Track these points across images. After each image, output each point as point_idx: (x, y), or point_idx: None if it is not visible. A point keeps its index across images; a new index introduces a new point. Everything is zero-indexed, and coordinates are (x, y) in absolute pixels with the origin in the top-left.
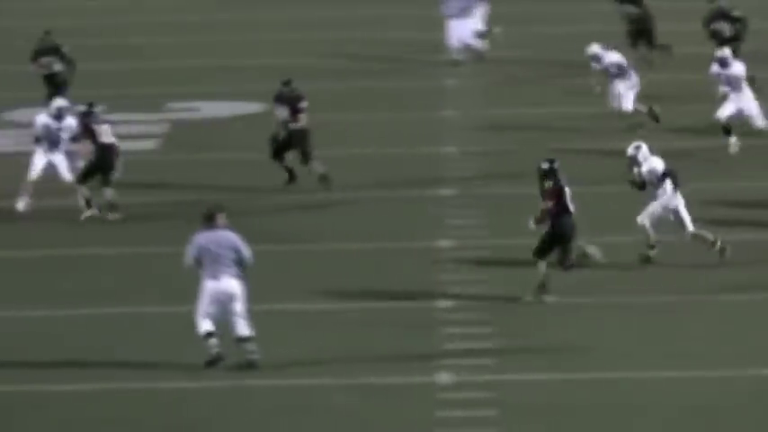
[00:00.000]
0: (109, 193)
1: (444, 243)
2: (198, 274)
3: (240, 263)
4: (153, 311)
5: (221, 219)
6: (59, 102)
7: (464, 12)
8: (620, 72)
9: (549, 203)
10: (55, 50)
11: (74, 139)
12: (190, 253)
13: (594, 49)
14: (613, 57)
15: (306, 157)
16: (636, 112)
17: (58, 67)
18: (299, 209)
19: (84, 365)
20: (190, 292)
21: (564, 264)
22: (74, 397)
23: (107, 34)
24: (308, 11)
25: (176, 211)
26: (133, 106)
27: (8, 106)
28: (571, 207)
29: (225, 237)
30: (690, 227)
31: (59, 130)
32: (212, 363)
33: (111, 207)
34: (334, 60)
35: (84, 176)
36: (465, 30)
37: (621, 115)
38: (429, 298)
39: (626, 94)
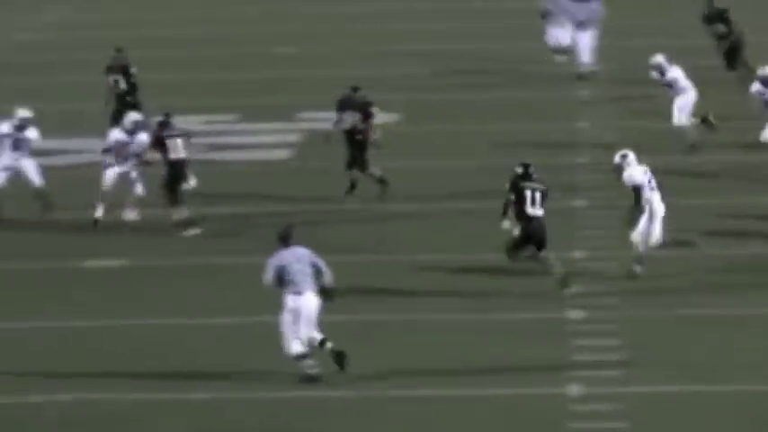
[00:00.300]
0: (184, 211)
1: (576, 254)
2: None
3: (318, 277)
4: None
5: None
6: (134, 116)
7: (586, 23)
8: (678, 87)
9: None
10: (123, 69)
11: (139, 155)
12: (270, 272)
13: (659, 59)
14: (675, 72)
15: (363, 166)
16: (692, 126)
17: (123, 85)
18: (419, 217)
19: (214, 375)
20: None
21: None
22: (209, 403)
23: (239, 43)
24: (432, 24)
25: (308, 220)
26: (266, 116)
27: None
28: (536, 210)
29: (303, 253)
30: (657, 239)
31: (131, 144)
32: (309, 381)
33: (189, 223)
34: (461, 72)
35: (171, 194)
36: (583, 40)
37: (676, 130)
38: (560, 309)
39: (682, 109)
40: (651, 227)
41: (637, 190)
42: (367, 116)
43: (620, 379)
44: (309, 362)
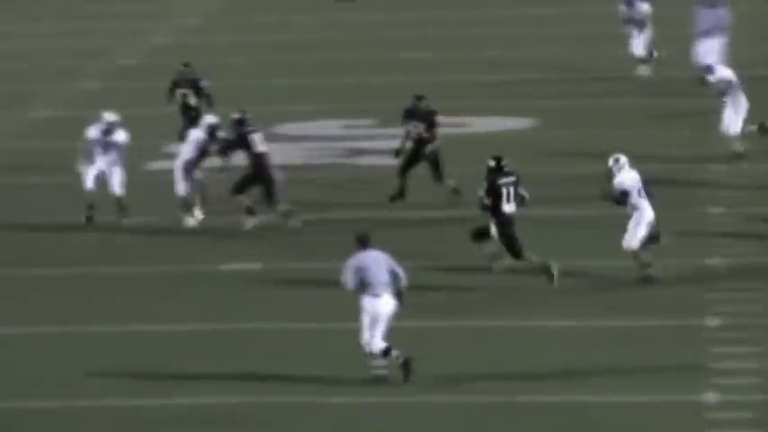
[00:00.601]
0: (283, 206)
1: (715, 261)
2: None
3: (396, 281)
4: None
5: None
6: (210, 119)
7: (712, 31)
8: (727, 89)
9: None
10: (192, 83)
11: (222, 150)
12: (349, 276)
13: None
14: (724, 72)
15: (439, 177)
16: (744, 134)
17: (193, 100)
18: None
19: (349, 380)
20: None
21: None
22: (348, 407)
23: (375, 49)
24: (550, 29)
25: (437, 222)
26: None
27: (278, 120)
28: (510, 207)
29: (381, 257)
30: (637, 244)
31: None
32: (377, 381)
33: (288, 213)
34: (589, 79)
35: (241, 188)
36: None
37: (726, 139)
38: (698, 316)
39: (732, 116)
40: (637, 231)
41: (624, 195)
42: (431, 125)
43: (759, 387)
44: (384, 362)
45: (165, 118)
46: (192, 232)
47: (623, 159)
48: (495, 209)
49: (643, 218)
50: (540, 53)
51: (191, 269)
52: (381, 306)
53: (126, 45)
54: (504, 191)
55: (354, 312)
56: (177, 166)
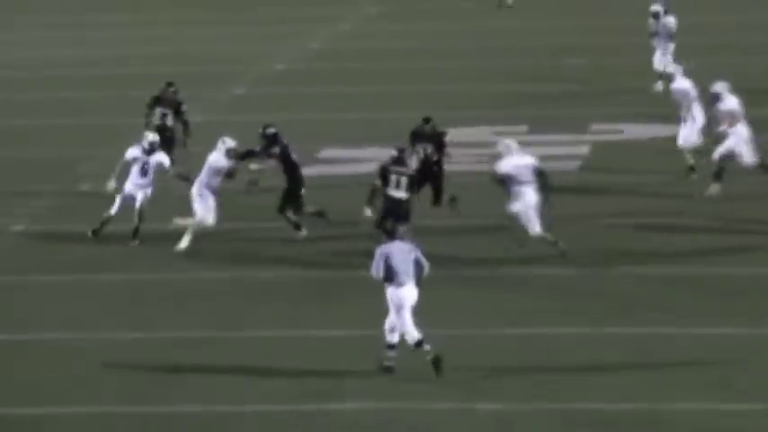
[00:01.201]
0: (310, 207)
1: None
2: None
3: (420, 271)
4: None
5: (402, 231)
6: (229, 142)
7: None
8: (682, 100)
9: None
10: (174, 105)
11: (229, 174)
12: (379, 264)
13: (718, 88)
14: (731, 103)
15: (438, 198)
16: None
17: (170, 122)
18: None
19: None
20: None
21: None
22: (494, 414)
23: (530, 55)
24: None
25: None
26: (555, 127)
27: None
28: (399, 192)
29: (406, 248)
30: (536, 229)
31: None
32: (385, 371)
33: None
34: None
35: (283, 205)
36: None
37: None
38: None
39: (687, 129)
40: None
41: (505, 179)
42: (440, 146)
43: None
44: (393, 354)
45: (322, 122)
46: (335, 238)
47: (513, 144)
48: (384, 194)
49: (529, 205)
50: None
51: (350, 276)
52: (405, 295)
53: (283, 50)
54: (394, 178)
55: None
56: (194, 191)
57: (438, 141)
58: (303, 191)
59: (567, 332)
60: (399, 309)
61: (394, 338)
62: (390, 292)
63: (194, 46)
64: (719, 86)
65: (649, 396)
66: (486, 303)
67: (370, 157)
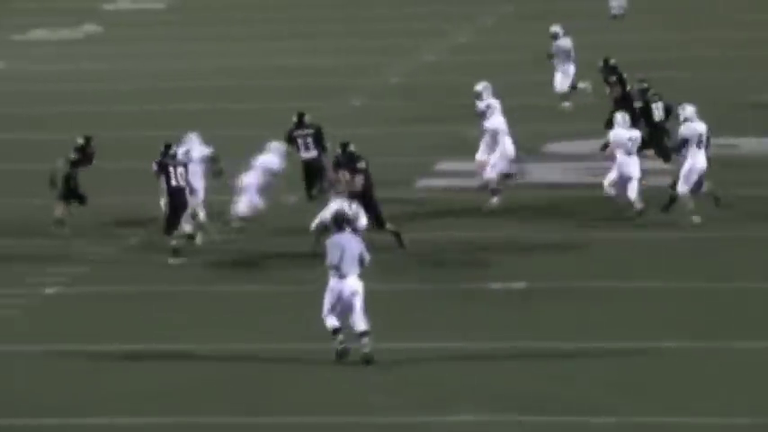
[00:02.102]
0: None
1: None
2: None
3: (362, 263)
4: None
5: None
6: (278, 145)
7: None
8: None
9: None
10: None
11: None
12: (334, 253)
13: (687, 112)
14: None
15: (379, 223)
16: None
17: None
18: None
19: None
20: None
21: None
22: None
23: (643, 68)
24: None
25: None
26: None
27: (553, 138)
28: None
29: (353, 239)
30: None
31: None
32: (340, 357)
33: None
34: None
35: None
36: None
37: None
38: None
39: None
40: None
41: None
42: (353, 171)
43: None
44: (341, 337)
45: (436, 135)
46: (460, 251)
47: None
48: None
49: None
50: None
51: (458, 288)
52: (345, 286)
53: (397, 63)
54: (301, 141)
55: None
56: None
57: (352, 167)
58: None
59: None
60: (337, 299)
61: (335, 322)
62: (337, 283)
63: (311, 60)
64: (689, 111)
65: None
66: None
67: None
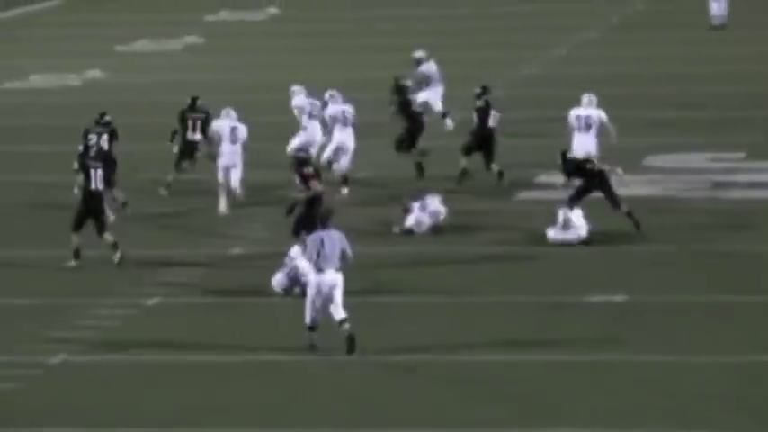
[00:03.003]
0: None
1: None
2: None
3: (343, 258)
4: None
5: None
6: None
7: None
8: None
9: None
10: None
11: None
12: (313, 250)
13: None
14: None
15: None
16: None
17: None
18: None
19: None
20: None
21: None
22: None
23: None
24: None
25: None
26: None
27: (646, 152)
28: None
29: (336, 236)
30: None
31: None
32: (312, 349)
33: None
34: None
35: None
36: None
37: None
38: None
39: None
40: None
41: None
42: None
43: None
44: (315, 335)
45: (536, 149)
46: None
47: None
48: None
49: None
50: None
51: (557, 300)
52: (325, 280)
53: (500, 75)
54: (191, 123)
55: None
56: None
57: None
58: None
59: None
60: (318, 293)
61: (313, 321)
62: (316, 277)
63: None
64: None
65: None
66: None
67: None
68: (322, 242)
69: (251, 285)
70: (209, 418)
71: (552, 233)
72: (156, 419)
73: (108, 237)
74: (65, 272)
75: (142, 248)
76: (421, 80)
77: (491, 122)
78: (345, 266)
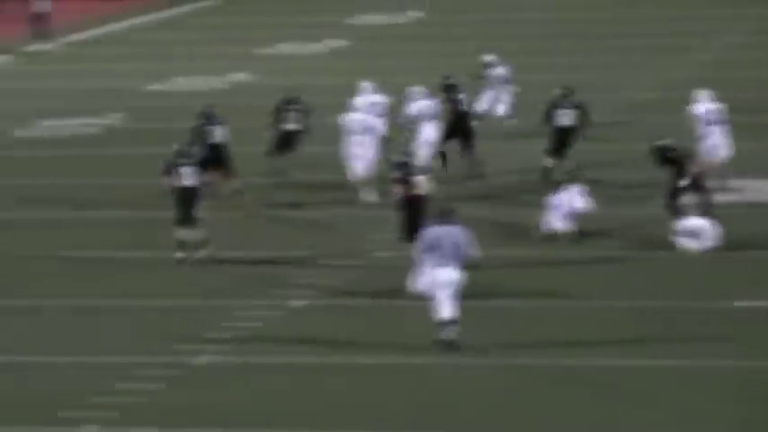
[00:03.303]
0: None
1: None
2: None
3: (462, 256)
4: None
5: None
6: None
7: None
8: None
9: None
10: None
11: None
12: (421, 244)
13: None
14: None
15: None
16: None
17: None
18: None
19: None
20: None
21: None
22: None
23: None
24: None
25: None
26: None
27: None
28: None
29: (454, 231)
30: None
31: None
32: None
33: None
34: None
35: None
36: None
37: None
38: None
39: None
40: None
41: None
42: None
43: None
44: (452, 327)
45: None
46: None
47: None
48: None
49: None
50: None
51: (703, 306)
52: (442, 276)
53: (645, 78)
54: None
55: None
56: None
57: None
58: None
59: None
60: (437, 288)
61: (447, 315)
62: (430, 271)
63: (558, 76)
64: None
65: None
66: None
67: (758, 188)
68: (438, 239)
69: (393, 288)
70: (358, 418)
71: (682, 240)
72: (307, 421)
73: (198, 233)
74: (209, 273)
75: (281, 250)
76: (493, 82)
77: (567, 122)
78: (467, 264)
